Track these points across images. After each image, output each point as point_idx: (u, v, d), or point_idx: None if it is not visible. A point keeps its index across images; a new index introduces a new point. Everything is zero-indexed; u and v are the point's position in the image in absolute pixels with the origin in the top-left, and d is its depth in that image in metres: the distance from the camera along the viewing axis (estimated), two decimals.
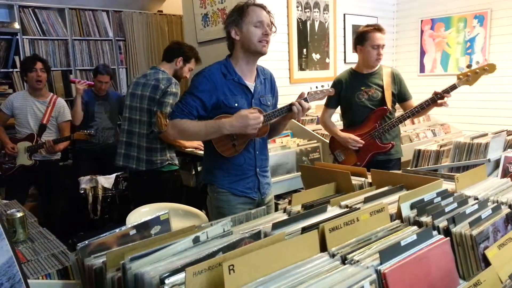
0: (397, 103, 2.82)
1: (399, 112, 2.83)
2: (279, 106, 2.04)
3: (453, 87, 2.46)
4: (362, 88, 2.74)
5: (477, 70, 2.41)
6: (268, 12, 1.91)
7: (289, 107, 1.90)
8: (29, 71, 3.33)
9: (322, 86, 2.07)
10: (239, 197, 1.99)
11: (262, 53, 1.93)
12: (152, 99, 2.74)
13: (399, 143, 2.85)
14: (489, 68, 2.41)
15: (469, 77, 2.43)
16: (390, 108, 2.69)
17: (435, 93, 2.49)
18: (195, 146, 3.13)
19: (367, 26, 2.74)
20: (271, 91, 2.10)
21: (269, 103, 2.04)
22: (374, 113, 2.71)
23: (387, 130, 2.68)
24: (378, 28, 2.69)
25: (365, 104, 2.73)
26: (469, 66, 2.44)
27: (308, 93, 2.02)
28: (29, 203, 3.73)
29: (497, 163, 2.15)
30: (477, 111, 4.24)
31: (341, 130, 2.82)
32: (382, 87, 2.72)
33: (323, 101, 2.93)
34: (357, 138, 2.70)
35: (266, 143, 2.14)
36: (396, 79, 2.76)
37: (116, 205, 3.46)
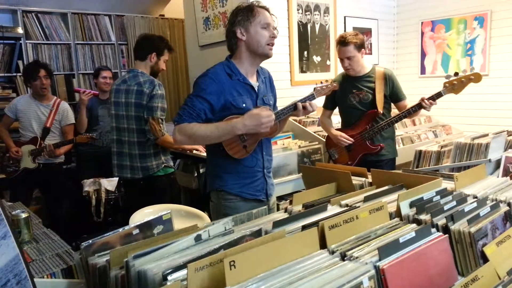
0: (392, 104, 2.84)
1: (394, 112, 2.86)
2: (278, 107, 2.07)
3: (439, 95, 2.49)
4: (354, 90, 2.79)
5: (463, 79, 2.42)
6: (272, 15, 1.90)
7: (295, 106, 1.94)
8: (33, 79, 3.36)
9: (327, 80, 2.18)
10: (249, 201, 1.95)
11: (269, 56, 1.92)
12: (139, 105, 2.64)
13: (393, 144, 2.87)
14: (475, 78, 2.41)
15: (455, 85, 2.45)
16: (381, 111, 2.71)
17: (422, 100, 2.52)
18: (195, 147, 3.08)
19: (341, 35, 2.75)
20: (271, 90, 2.10)
21: (271, 102, 2.05)
22: (365, 115, 2.75)
23: (377, 132, 2.71)
24: (340, 41, 2.70)
25: (356, 106, 2.78)
26: (456, 74, 2.45)
27: (315, 89, 2.05)
28: (33, 206, 3.75)
29: (497, 163, 2.16)
30: (478, 112, 4.24)
31: (337, 129, 2.89)
32: (373, 89, 2.74)
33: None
34: (347, 136, 2.76)
35: (271, 144, 2.12)
36: (388, 81, 2.76)
37: (119, 207, 3.48)
